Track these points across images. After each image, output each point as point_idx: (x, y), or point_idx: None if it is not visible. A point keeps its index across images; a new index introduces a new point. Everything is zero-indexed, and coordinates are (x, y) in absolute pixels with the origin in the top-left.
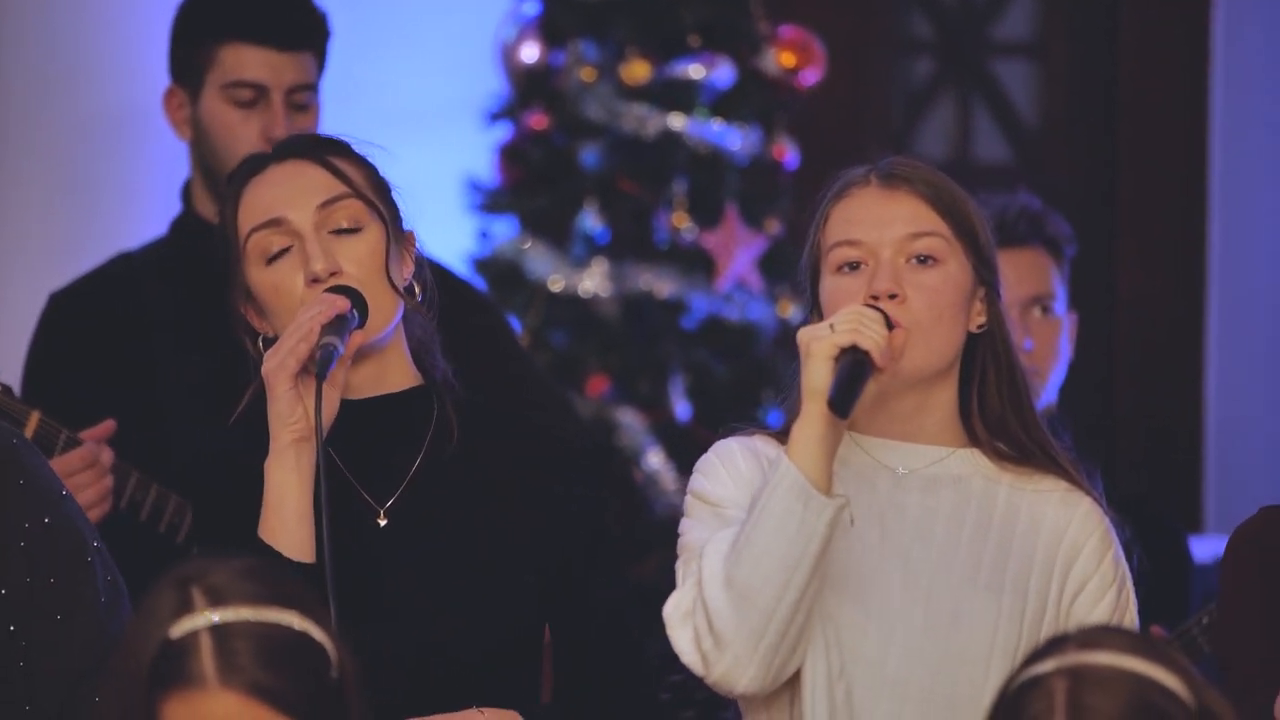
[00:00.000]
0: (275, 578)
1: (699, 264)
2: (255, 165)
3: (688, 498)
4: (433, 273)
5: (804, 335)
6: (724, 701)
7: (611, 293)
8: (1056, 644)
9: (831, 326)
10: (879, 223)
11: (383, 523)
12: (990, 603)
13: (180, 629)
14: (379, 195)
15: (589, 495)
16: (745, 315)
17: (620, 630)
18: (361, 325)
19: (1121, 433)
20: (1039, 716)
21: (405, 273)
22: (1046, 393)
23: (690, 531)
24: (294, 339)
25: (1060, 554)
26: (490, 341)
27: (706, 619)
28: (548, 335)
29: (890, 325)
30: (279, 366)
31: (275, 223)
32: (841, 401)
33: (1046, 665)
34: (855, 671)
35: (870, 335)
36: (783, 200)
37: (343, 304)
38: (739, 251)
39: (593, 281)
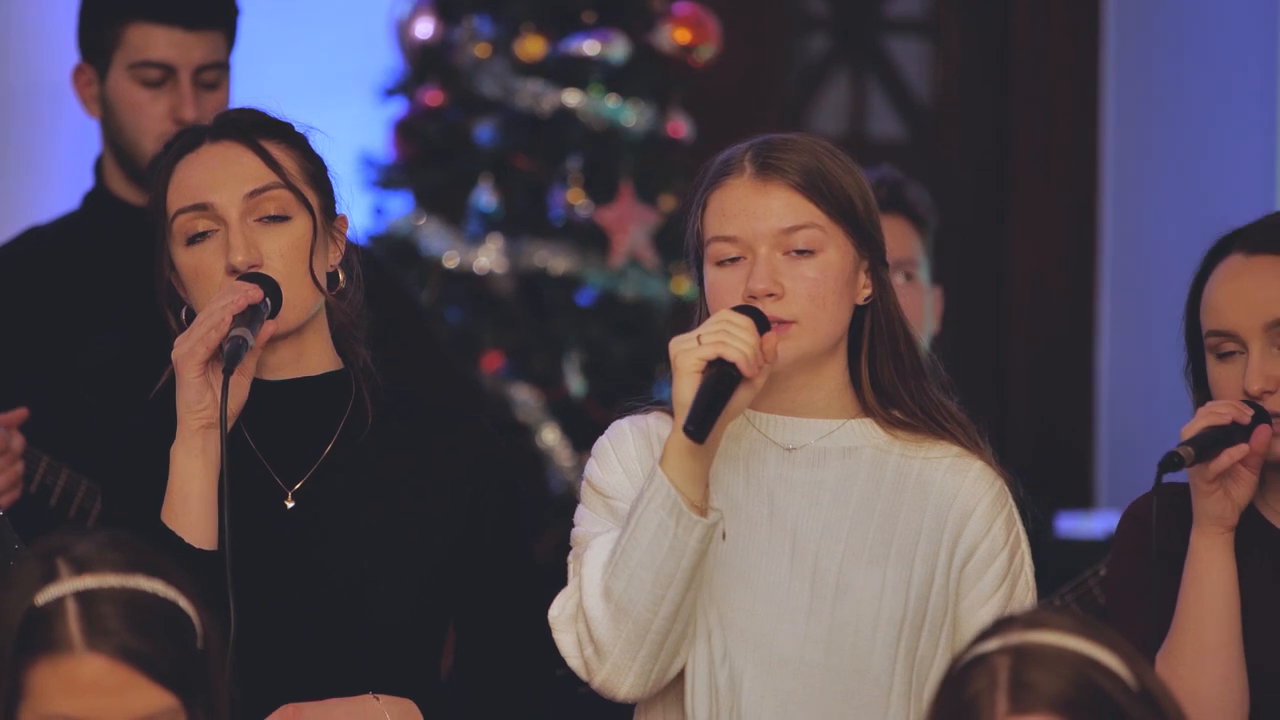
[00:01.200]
0: (140, 549)
1: (594, 240)
2: (190, 141)
3: (583, 484)
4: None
5: (673, 347)
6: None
7: (506, 269)
8: (1003, 624)
9: (699, 338)
10: (753, 217)
11: (290, 504)
12: (874, 575)
13: (46, 596)
14: (311, 182)
15: (501, 479)
16: (640, 291)
17: (526, 612)
18: (274, 315)
19: (1013, 411)
20: (981, 693)
21: (332, 259)
22: None
23: (582, 522)
24: (205, 327)
25: (950, 519)
26: (397, 318)
27: (587, 628)
28: (442, 312)
29: (764, 327)
30: (188, 354)
31: (201, 207)
32: (698, 428)
33: (991, 644)
34: (744, 651)
35: (736, 346)
36: (677, 177)
37: (255, 294)
38: (634, 228)
39: (488, 258)
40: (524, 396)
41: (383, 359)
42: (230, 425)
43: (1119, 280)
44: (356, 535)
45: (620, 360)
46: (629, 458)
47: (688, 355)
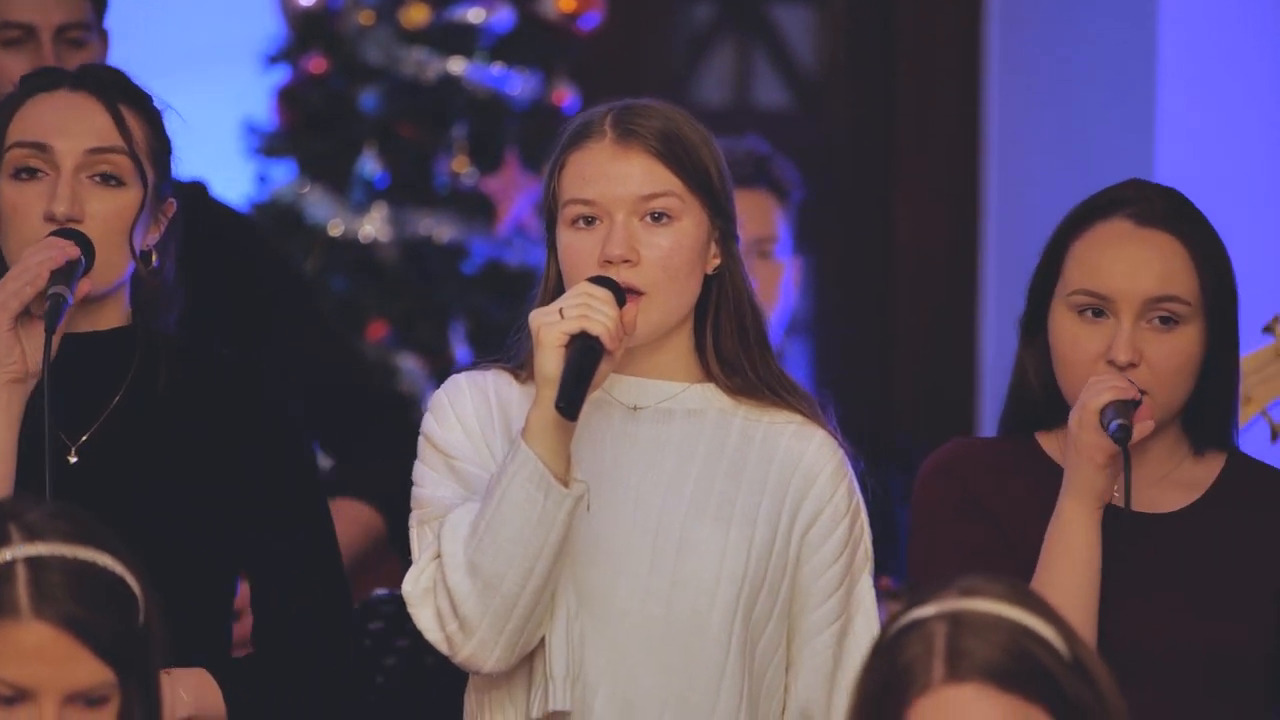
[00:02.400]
0: (88, 521)
1: (479, 209)
2: (49, 81)
3: (420, 438)
4: (217, 212)
5: (534, 320)
6: (426, 646)
7: (391, 238)
8: (937, 590)
9: (561, 312)
10: (613, 182)
11: (73, 460)
12: (718, 532)
13: None
14: (153, 159)
15: (276, 423)
16: (525, 260)
17: (318, 573)
18: (87, 271)
19: (897, 381)
20: (917, 659)
21: (149, 239)
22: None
23: (424, 483)
24: (20, 281)
25: (793, 485)
26: (278, 290)
27: (450, 604)
28: (327, 280)
29: (622, 299)
30: (1, 306)
31: (40, 147)
32: (569, 405)
33: (927, 610)
34: (587, 606)
35: (599, 320)
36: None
37: (73, 251)
38: (519, 196)
39: (372, 226)
40: (409, 365)
41: (260, 335)
42: (32, 382)
43: (1002, 248)
44: (140, 491)
45: (506, 328)
46: (467, 415)
47: (551, 329)
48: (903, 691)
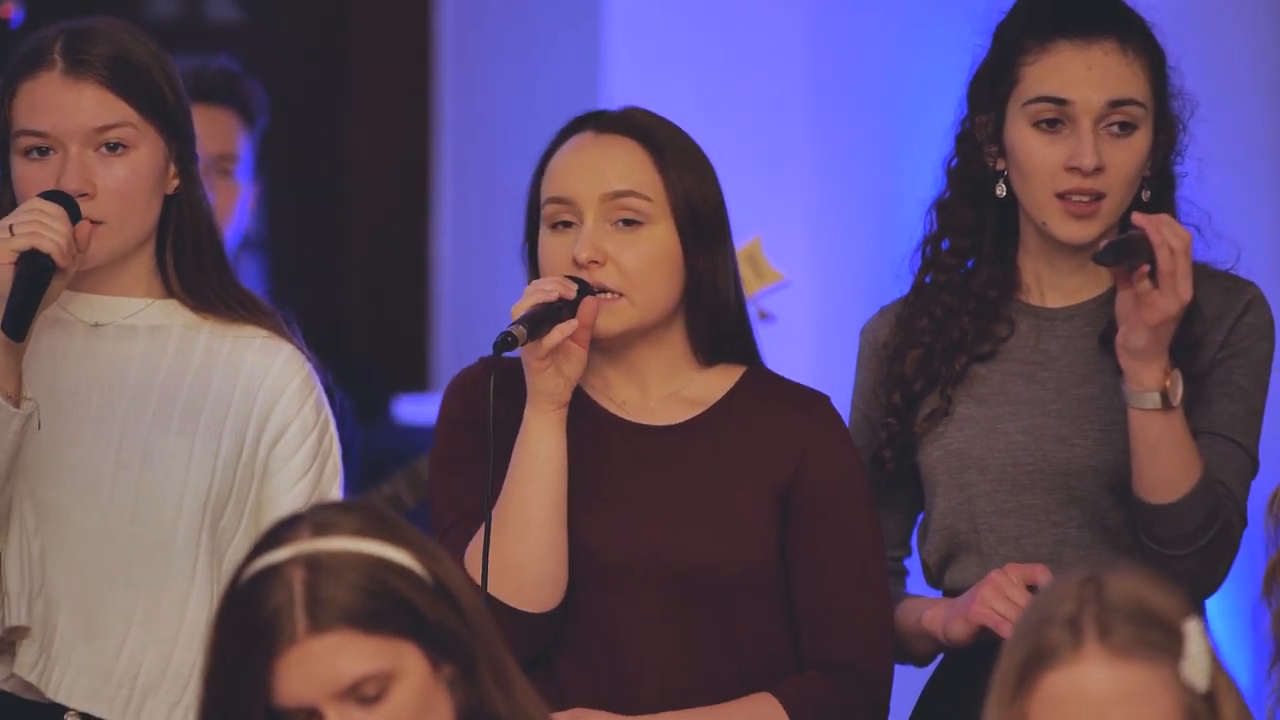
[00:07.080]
0: None
1: None
2: None
3: None
4: None
5: None
6: None
7: None
8: (290, 528)
9: (11, 229)
10: (65, 114)
11: None
12: (182, 446)
13: None
14: None
15: None
16: None
17: None
18: None
19: (351, 297)
20: (280, 610)
21: None
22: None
23: None
24: None
25: (260, 398)
26: None
27: None
28: None
29: (75, 216)
30: None
31: None
32: (15, 326)
33: (282, 553)
34: (49, 523)
35: (50, 237)
36: (8, 59)
37: None
38: None
39: None
40: None
41: None
42: None
43: (458, 162)
44: None
45: None
46: None
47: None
48: (267, 645)
